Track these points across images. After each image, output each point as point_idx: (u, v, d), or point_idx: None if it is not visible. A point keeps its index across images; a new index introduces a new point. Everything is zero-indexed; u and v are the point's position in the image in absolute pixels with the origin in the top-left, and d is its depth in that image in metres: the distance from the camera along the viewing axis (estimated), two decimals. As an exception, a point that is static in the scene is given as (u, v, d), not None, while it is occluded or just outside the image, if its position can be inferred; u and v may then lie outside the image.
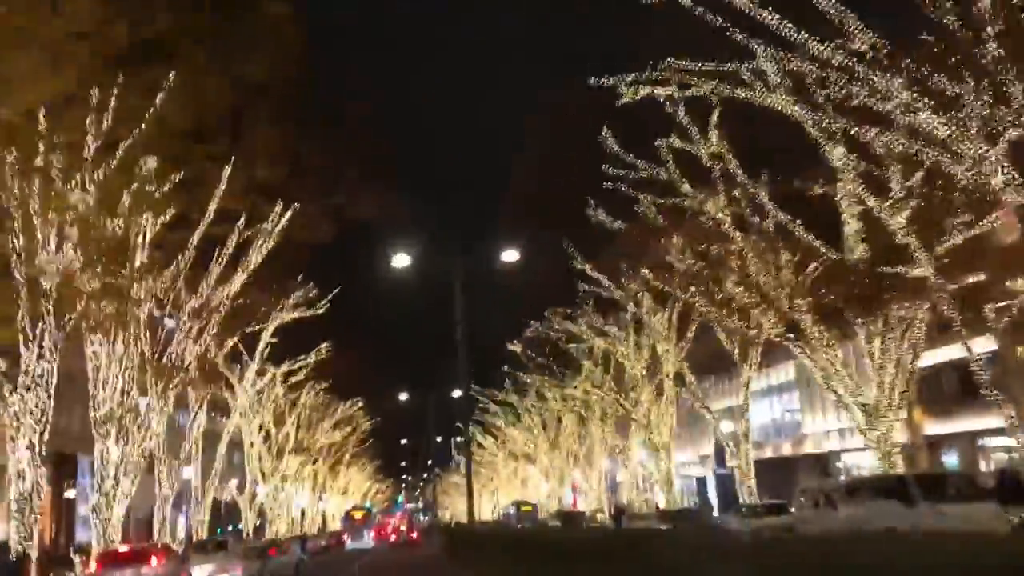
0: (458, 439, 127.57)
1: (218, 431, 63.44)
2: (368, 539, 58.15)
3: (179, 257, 26.07)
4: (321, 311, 39.16)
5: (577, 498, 71.53)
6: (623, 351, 40.91)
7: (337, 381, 55.56)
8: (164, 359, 27.09)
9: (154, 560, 20.40)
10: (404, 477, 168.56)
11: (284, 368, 42.20)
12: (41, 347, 19.96)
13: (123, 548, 21.52)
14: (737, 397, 46.16)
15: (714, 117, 22.88)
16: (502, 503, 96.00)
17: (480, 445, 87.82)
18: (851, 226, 23.70)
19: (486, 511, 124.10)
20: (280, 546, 37.72)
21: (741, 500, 33.69)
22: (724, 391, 51.72)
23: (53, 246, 19.98)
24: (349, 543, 57.68)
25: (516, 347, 45.51)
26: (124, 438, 24.77)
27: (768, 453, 46.27)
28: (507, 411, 70.48)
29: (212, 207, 25.56)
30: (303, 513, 77.34)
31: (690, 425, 56.95)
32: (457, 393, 56.61)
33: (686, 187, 24.47)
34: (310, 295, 38.70)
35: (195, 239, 25.81)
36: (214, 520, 62.33)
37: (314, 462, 68.97)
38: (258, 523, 53.70)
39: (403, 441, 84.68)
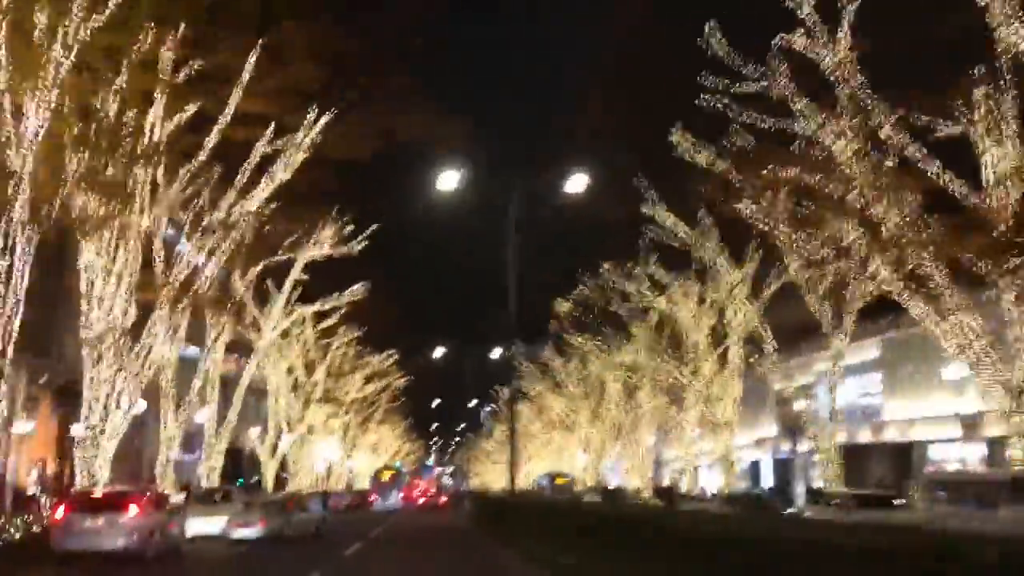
0: (488, 407, 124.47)
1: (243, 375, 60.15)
2: (396, 500, 57.03)
3: (193, 160, 22.31)
4: (358, 249, 35.49)
5: (612, 473, 67.83)
6: (685, 313, 36.69)
7: (371, 330, 52.02)
8: (173, 277, 23.44)
9: (132, 508, 16.81)
10: (434, 440, 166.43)
11: (315, 307, 38.45)
12: (7, 237, 16.39)
13: (96, 492, 17.96)
14: (807, 374, 41.96)
15: (851, 9, 18.45)
16: (534, 473, 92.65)
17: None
18: (1001, 162, 19.29)
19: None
20: (300, 501, 34.28)
21: (820, 488, 29.49)
22: (793, 368, 47.35)
23: (30, 118, 16.28)
24: (377, 503, 56.23)
25: (564, 306, 41.24)
26: (118, 363, 21.27)
27: (839, 439, 41.81)
28: (547, 376, 66.76)
29: (234, 100, 21.72)
30: (329, 469, 74.69)
31: (745, 404, 52.85)
32: (496, 353, 52.97)
33: (802, 104, 20.08)
34: (345, 230, 35.01)
35: (212, 138, 22.00)
36: (235, 470, 59.71)
37: (346, 414, 66.00)
38: (283, 476, 50.77)
39: (435, 402, 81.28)
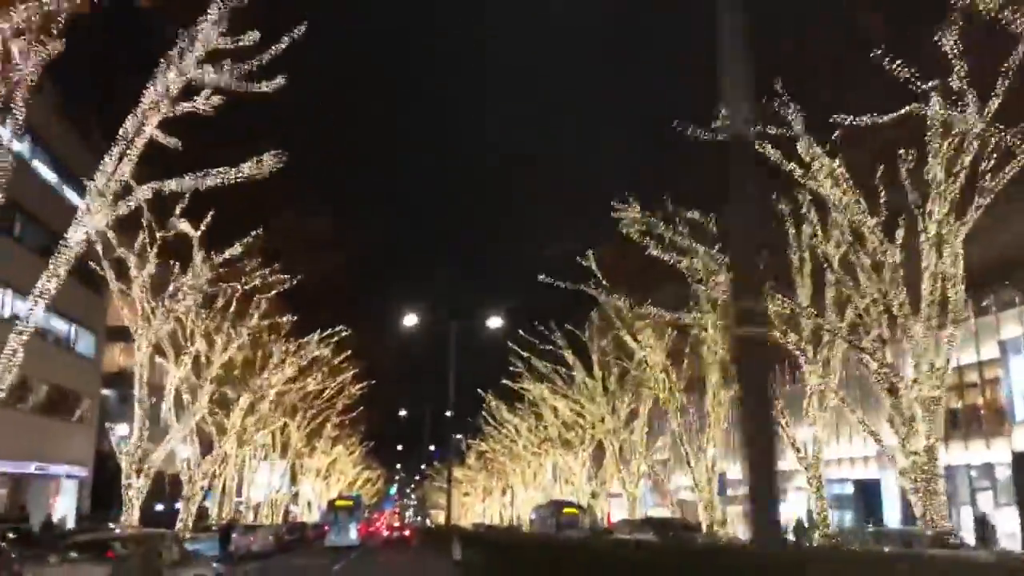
0: (458, 436, 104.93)
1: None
2: (353, 535, 47.56)
3: None
4: (269, 88, 19.01)
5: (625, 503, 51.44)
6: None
7: (309, 294, 35.28)
8: None
9: None
10: (397, 469, 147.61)
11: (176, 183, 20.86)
12: None
13: None
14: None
15: None
16: (524, 506, 75.58)
17: (497, 424, 67.37)
18: None
19: (489, 514, 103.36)
20: (137, 542, 17.41)
21: None
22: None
23: None
24: (331, 537, 47.02)
25: (631, 213, 24.60)
26: None
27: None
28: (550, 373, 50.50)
29: None
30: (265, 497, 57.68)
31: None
32: (495, 323, 36.10)
33: None
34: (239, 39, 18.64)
35: None
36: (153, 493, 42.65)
37: (282, 416, 49.23)
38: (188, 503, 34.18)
39: (402, 413, 64.00)
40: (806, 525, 28.17)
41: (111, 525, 28.12)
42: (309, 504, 78.48)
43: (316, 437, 65.98)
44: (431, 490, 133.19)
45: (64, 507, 38.42)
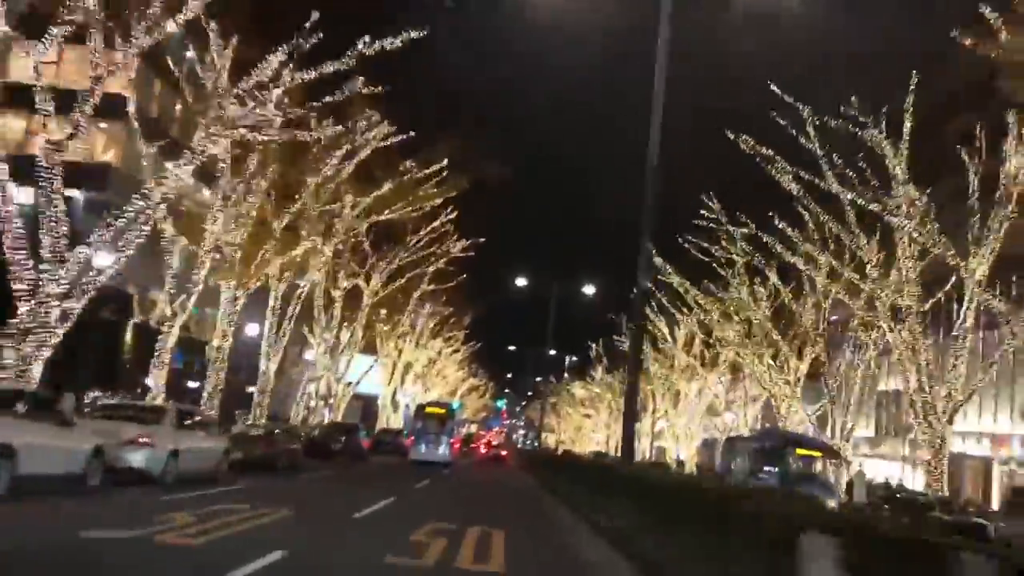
0: (583, 354, 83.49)
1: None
2: (444, 450, 37.84)
3: None
4: None
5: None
6: None
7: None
8: None
9: None
10: (507, 380, 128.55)
11: None
12: None
13: None
14: None
15: None
16: (672, 434, 55.70)
17: (658, 335, 47.99)
18: None
19: (612, 445, 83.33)
20: None
21: None
22: None
23: None
24: (418, 450, 37.55)
25: None
26: None
27: None
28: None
29: None
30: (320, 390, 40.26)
31: None
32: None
33: None
34: None
35: None
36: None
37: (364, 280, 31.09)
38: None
39: (520, 283, 44.47)
40: None
41: None
42: (396, 404, 60.36)
43: (398, 312, 47.46)
44: (547, 409, 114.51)
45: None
